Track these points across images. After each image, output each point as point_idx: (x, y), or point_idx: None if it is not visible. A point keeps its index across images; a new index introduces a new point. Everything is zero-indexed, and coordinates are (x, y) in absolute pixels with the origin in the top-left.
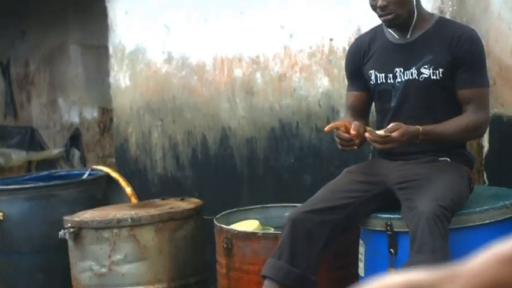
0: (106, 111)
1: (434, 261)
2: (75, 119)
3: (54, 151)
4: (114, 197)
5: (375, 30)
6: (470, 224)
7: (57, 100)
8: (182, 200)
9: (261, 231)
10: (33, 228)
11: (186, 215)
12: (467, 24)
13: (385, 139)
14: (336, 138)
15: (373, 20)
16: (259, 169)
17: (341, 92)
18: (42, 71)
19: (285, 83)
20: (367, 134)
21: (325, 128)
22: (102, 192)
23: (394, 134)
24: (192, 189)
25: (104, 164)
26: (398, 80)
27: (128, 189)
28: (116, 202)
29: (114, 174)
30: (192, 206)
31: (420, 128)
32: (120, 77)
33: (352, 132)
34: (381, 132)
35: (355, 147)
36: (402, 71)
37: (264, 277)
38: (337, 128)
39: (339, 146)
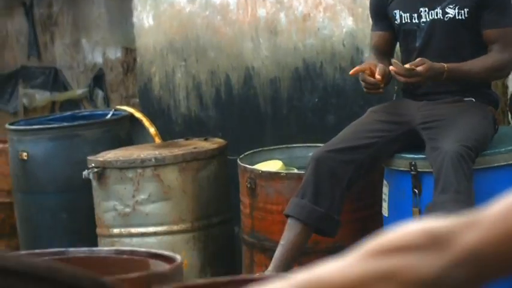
0: (129, 51)
1: (458, 202)
2: (99, 59)
3: (78, 91)
4: (137, 137)
5: None
6: (494, 164)
7: (81, 41)
8: (206, 140)
9: (285, 171)
10: (57, 168)
11: (210, 155)
12: None
13: (409, 72)
14: (361, 82)
15: None
16: (283, 109)
17: (365, 32)
18: (65, 12)
19: (309, 23)
20: (391, 67)
21: (350, 71)
22: (126, 132)
23: (419, 68)
24: (216, 129)
25: (128, 104)
26: (423, 19)
27: (152, 129)
28: (139, 142)
29: (138, 114)
30: (215, 146)
31: (445, 65)
32: (144, 17)
33: (378, 76)
34: (405, 66)
35: (381, 90)
36: (427, 10)
37: (287, 216)
38: (363, 72)
39: (364, 90)
